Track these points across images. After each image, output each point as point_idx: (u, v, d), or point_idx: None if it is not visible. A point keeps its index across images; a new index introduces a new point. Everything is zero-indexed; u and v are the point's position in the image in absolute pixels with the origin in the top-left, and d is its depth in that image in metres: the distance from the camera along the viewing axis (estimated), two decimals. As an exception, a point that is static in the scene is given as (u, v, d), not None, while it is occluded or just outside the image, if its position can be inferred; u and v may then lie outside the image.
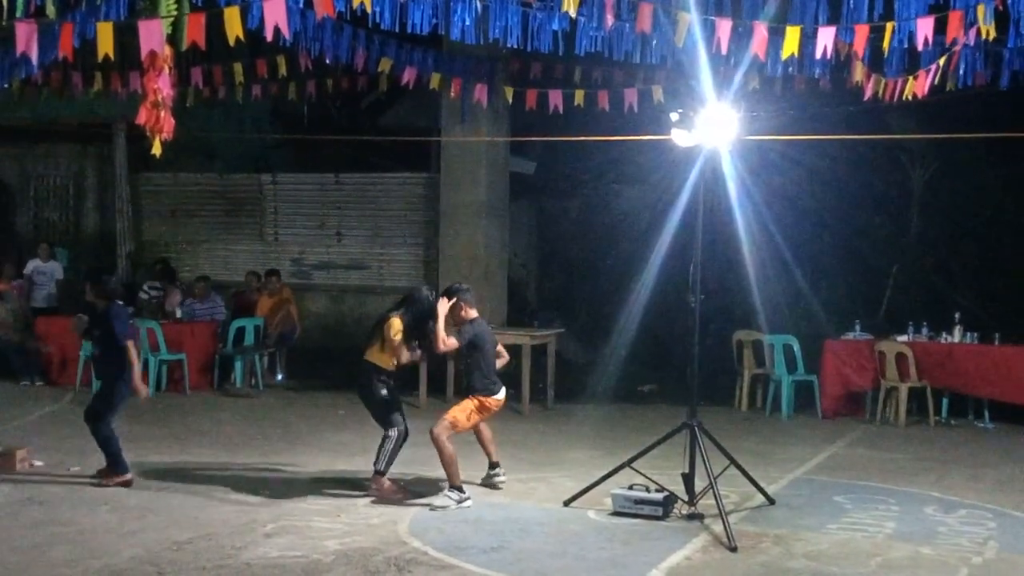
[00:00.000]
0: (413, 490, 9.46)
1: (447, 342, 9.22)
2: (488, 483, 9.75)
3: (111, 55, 8.12)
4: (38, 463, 10.34)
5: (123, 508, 8.84)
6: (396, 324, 9.28)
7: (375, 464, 9.32)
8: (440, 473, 9.19)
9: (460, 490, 9.03)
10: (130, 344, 9.63)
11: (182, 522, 8.40)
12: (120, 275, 18.53)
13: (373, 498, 9.21)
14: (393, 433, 9.34)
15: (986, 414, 13.30)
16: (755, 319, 14.31)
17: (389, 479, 9.36)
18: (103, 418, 9.65)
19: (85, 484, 9.64)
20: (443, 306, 9.26)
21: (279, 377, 15.87)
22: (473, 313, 9.44)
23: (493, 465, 9.76)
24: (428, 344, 9.40)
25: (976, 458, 11.44)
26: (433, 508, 8.91)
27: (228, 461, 10.76)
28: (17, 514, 8.62)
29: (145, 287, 16.86)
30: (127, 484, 9.53)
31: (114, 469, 9.61)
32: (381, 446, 9.34)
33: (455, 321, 9.39)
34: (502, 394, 9.39)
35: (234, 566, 7.32)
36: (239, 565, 7.35)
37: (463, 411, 9.25)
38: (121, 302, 10.09)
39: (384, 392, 9.42)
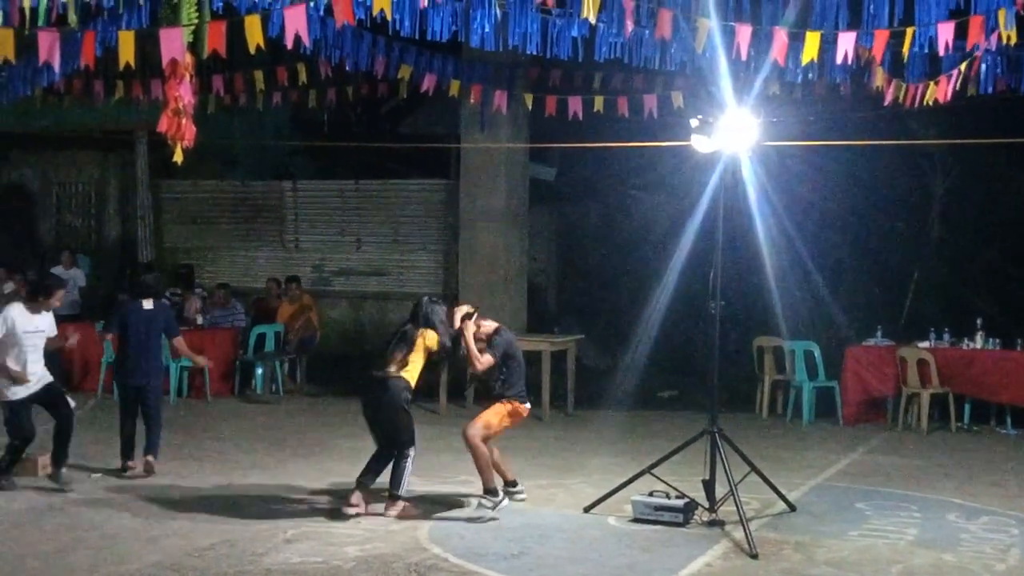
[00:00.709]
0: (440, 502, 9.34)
1: (483, 360, 8.98)
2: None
3: (132, 63, 8.16)
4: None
5: (145, 514, 8.87)
6: (434, 337, 9.07)
7: (392, 488, 8.88)
8: (452, 488, 9.18)
9: (494, 493, 8.84)
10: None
11: (203, 528, 8.43)
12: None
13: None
14: (412, 453, 8.95)
15: (1008, 420, 13.22)
16: (776, 325, 14.26)
17: (405, 498, 8.97)
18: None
19: (106, 490, 9.69)
20: (467, 327, 9.10)
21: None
22: (492, 324, 9.30)
23: (512, 483, 9.32)
24: (457, 361, 9.37)
25: (998, 464, 11.38)
26: (473, 520, 8.72)
27: (249, 467, 10.78)
28: (39, 520, 8.67)
29: (167, 293, 16.93)
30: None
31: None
32: (397, 467, 8.89)
33: (477, 338, 9.16)
34: (528, 404, 9.25)
35: (255, 572, 7.34)
36: (260, 571, 7.36)
37: (496, 415, 8.98)
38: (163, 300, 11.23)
39: (407, 410, 9.02)
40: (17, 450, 9.79)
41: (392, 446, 8.97)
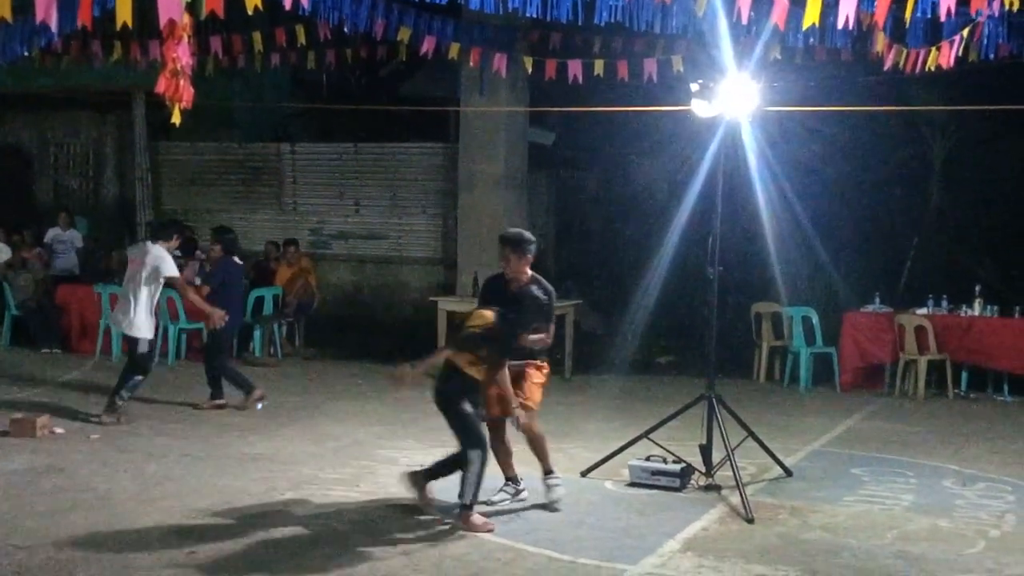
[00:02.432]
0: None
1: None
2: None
3: (130, 24, 8.11)
4: (58, 430, 10.42)
5: (143, 476, 8.90)
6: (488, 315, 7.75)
7: (461, 497, 7.66)
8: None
9: (553, 472, 8.25)
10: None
11: (201, 490, 8.46)
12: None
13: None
14: (479, 455, 7.71)
15: (1005, 387, 13.26)
16: (774, 291, 14.27)
17: (476, 510, 7.78)
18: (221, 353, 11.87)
19: (104, 452, 9.71)
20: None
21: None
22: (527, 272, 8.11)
23: (517, 479, 8.42)
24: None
25: (995, 431, 11.42)
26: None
27: (247, 430, 10.80)
28: (37, 481, 8.69)
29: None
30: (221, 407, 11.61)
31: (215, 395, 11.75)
32: (467, 473, 7.65)
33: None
34: None
35: (253, 533, 7.36)
36: (258, 532, 7.39)
37: (538, 388, 8.15)
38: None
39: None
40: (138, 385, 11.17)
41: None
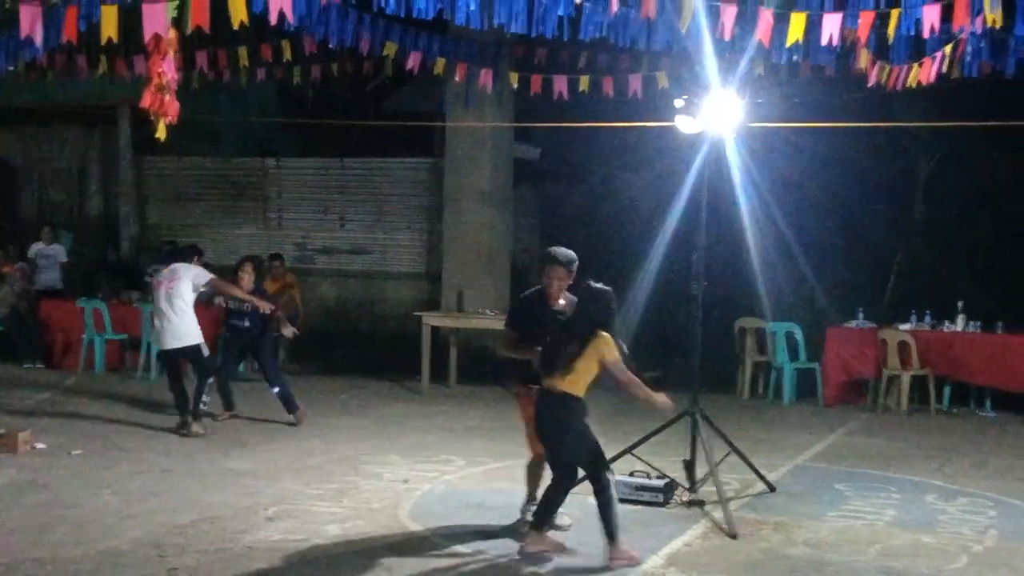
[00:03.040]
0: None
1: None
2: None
3: (115, 38, 8.12)
4: (40, 446, 10.37)
5: (125, 491, 8.86)
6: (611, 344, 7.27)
7: (609, 533, 7.20)
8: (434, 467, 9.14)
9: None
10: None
11: (184, 505, 8.42)
12: (124, 258, 18.60)
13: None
14: (611, 478, 7.30)
15: (987, 402, 13.30)
16: (758, 306, 14.30)
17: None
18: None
19: (87, 467, 9.67)
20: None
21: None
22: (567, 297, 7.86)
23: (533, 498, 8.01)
24: None
25: (977, 446, 11.45)
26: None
27: (230, 445, 10.77)
28: (19, 496, 8.64)
29: (150, 270, 16.88)
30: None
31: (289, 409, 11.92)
32: (609, 506, 7.20)
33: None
34: None
35: (236, 550, 7.34)
36: (241, 548, 7.36)
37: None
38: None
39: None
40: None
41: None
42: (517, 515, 8.02)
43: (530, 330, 7.59)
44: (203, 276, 11.48)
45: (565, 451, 7.26)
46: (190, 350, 11.43)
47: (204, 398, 11.49)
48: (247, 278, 11.89)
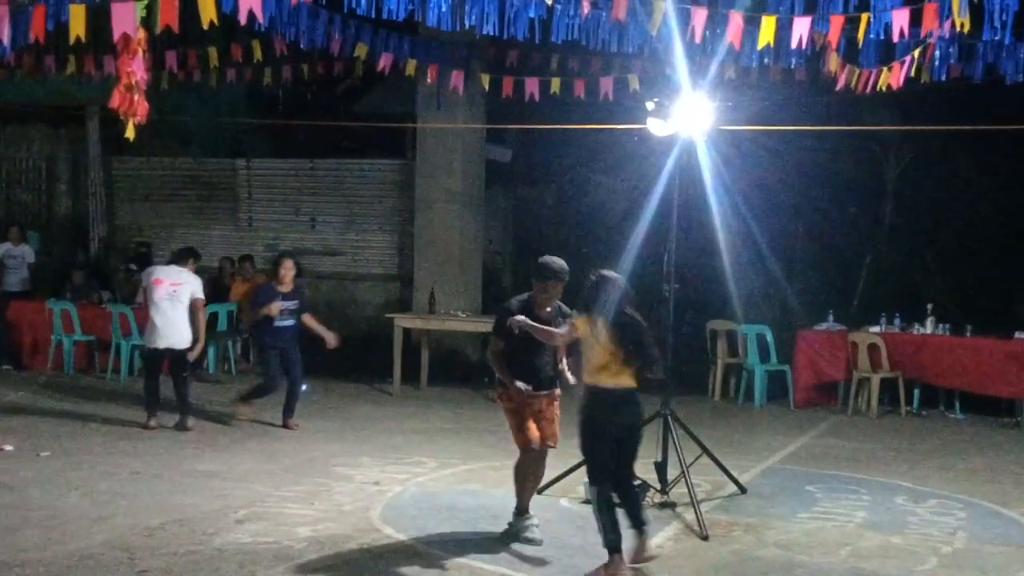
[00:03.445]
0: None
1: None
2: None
3: (84, 37, 8.07)
4: (8, 447, 10.29)
5: (94, 493, 8.80)
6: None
7: (640, 526, 7.12)
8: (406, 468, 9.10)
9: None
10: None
11: (153, 507, 8.37)
12: (93, 258, 18.47)
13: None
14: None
15: (957, 405, 13.39)
16: (729, 308, 14.34)
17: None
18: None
19: (55, 469, 9.60)
20: None
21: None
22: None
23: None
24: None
25: (946, 448, 11.52)
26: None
27: (200, 447, 10.72)
28: (-13, 499, 8.58)
29: (122, 267, 16.80)
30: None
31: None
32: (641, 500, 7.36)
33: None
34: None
35: (206, 552, 7.30)
36: (211, 551, 7.32)
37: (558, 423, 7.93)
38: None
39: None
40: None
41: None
42: (504, 524, 7.91)
43: (518, 338, 7.55)
44: (200, 290, 11.67)
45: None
46: (179, 353, 11.51)
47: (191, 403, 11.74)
48: (289, 274, 11.81)
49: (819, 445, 11.60)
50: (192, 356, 11.76)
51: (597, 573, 6.95)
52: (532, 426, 7.73)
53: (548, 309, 7.72)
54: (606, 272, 7.28)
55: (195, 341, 11.60)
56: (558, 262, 7.68)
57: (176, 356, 11.58)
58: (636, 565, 7.02)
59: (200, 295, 11.64)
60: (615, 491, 7.06)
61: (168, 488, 9.01)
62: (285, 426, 11.74)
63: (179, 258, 12.07)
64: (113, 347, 14.69)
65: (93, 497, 8.69)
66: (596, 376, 7.07)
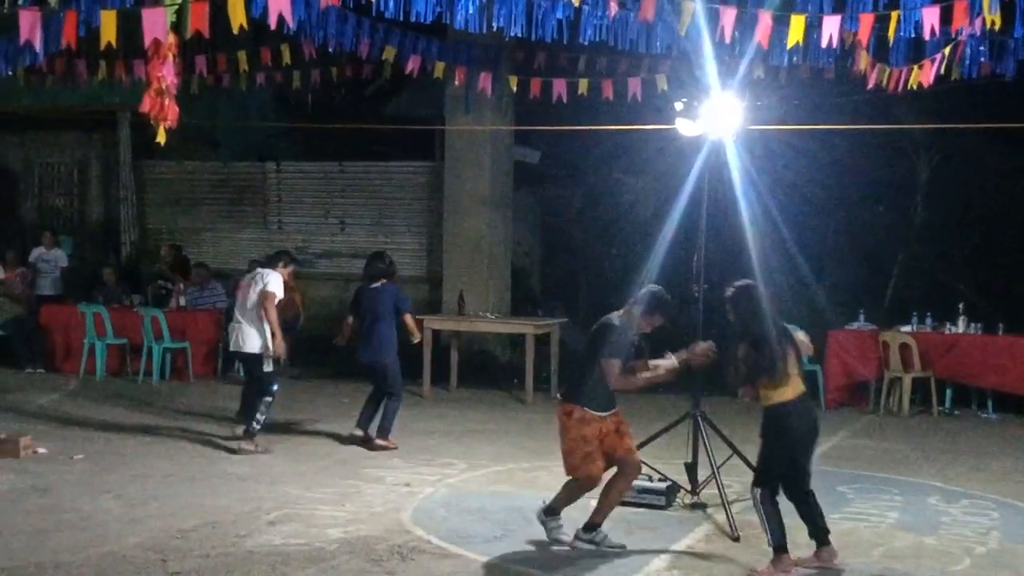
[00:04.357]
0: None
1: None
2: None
3: (115, 43, 8.12)
4: (42, 451, 10.36)
5: (127, 496, 8.85)
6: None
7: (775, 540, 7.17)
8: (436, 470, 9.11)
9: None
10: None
11: (186, 510, 8.42)
12: (124, 263, 18.57)
13: None
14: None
15: (989, 404, 13.30)
16: (760, 309, 14.24)
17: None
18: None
19: (89, 472, 9.66)
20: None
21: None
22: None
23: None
24: None
25: (979, 448, 11.44)
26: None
27: (231, 450, 10.75)
28: (21, 501, 8.64)
29: (156, 284, 16.83)
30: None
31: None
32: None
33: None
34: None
35: (237, 554, 7.33)
36: (243, 553, 7.36)
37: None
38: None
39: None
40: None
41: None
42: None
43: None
44: (271, 284, 10.77)
45: None
46: (250, 358, 10.93)
47: (259, 417, 10.71)
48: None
49: (851, 446, 11.54)
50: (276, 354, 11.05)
51: (768, 570, 7.09)
52: (600, 463, 7.56)
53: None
54: (743, 283, 7.88)
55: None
56: (673, 302, 7.97)
57: (246, 362, 11.21)
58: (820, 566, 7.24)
59: (271, 288, 10.73)
60: (799, 508, 7.29)
61: (200, 491, 9.06)
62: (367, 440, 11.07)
63: (269, 263, 11.38)
64: (144, 350, 14.77)
65: (126, 500, 8.74)
66: (779, 392, 7.36)
